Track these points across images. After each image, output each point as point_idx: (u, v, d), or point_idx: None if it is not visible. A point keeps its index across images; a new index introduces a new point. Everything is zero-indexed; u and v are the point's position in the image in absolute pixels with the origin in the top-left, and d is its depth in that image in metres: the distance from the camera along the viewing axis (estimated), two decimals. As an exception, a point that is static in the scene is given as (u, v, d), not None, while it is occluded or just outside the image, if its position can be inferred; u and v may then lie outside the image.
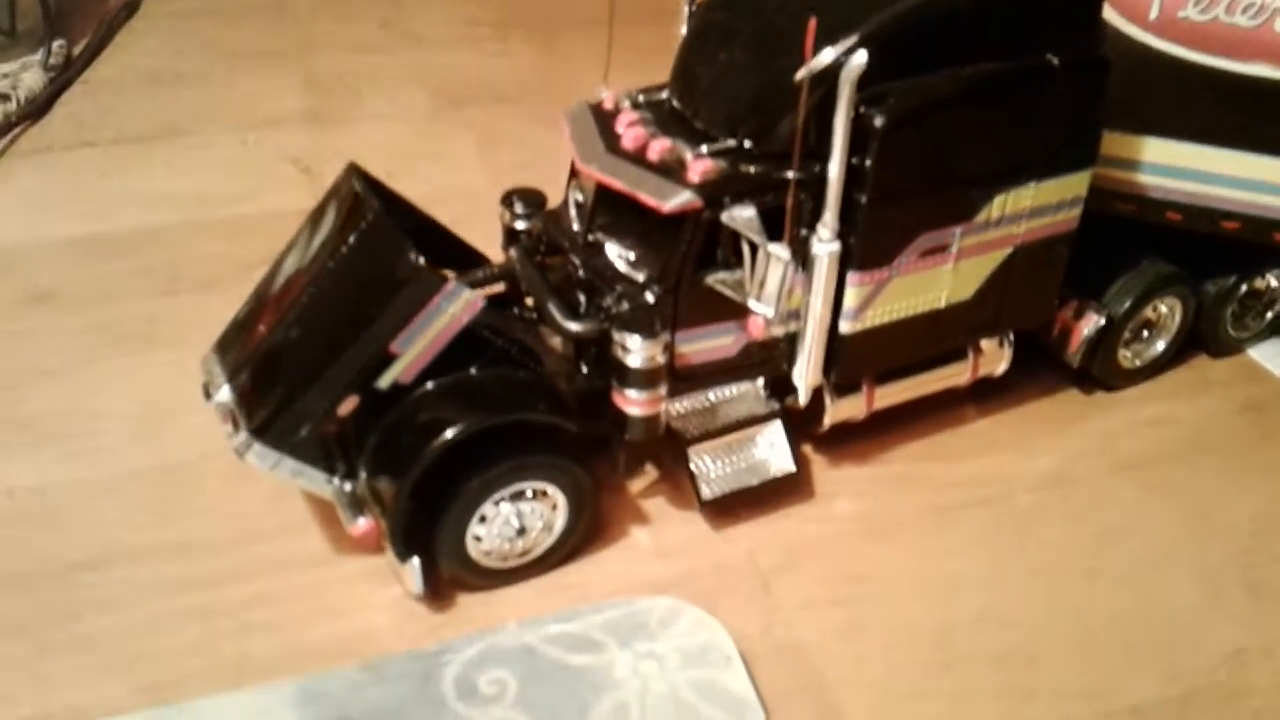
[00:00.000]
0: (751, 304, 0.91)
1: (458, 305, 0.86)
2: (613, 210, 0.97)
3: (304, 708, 0.85)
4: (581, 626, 0.91)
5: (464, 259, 1.04)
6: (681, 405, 1.02)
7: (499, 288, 1.06)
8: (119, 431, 1.13)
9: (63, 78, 1.78)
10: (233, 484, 1.06)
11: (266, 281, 0.96)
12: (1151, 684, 0.91)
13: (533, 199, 1.06)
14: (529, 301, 1.02)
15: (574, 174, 1.02)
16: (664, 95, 1.01)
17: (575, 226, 1.00)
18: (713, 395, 1.03)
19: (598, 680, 0.87)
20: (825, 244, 0.93)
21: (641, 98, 1.01)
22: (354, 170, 0.95)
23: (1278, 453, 1.15)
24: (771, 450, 1.04)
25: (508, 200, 1.06)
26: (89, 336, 1.27)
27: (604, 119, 0.99)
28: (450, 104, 1.80)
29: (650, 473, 1.08)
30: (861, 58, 0.83)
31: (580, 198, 1.00)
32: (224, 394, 0.90)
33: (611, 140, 0.96)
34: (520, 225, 1.06)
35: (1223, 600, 0.99)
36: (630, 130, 0.95)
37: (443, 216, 1.09)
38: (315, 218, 0.96)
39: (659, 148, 0.93)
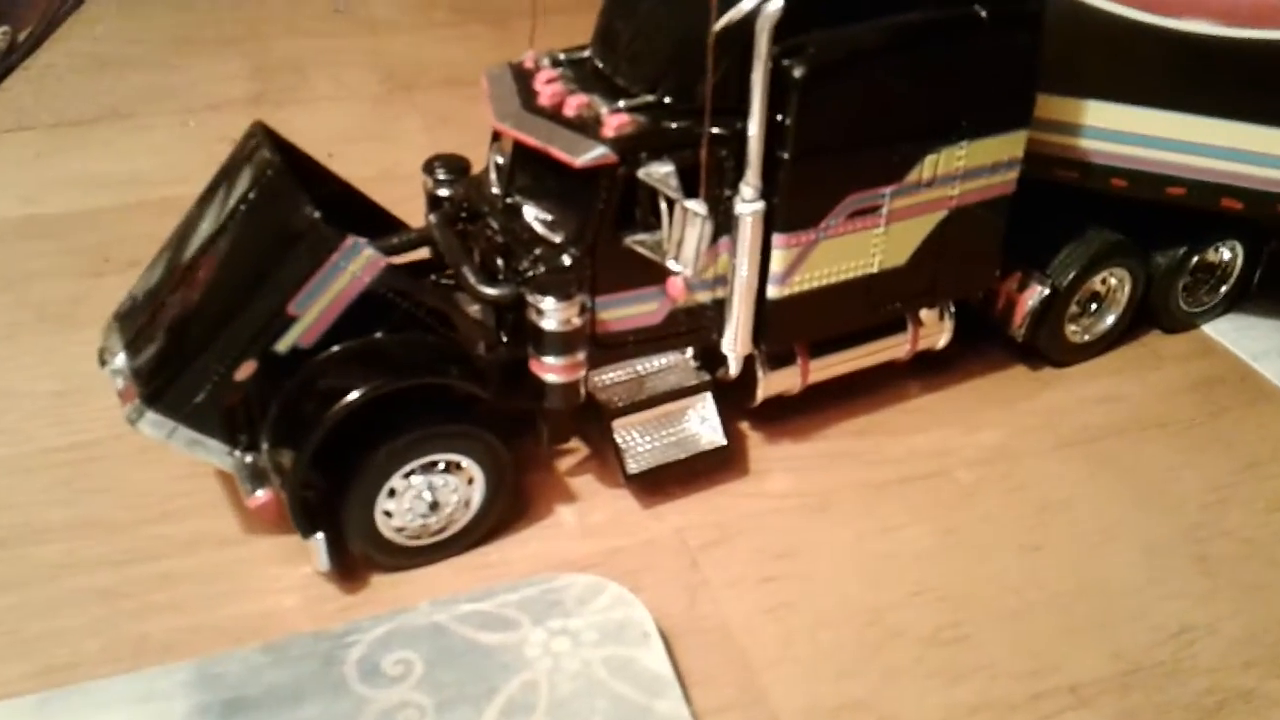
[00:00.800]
0: (670, 264, 0.88)
1: (357, 264, 0.82)
2: (531, 171, 0.93)
3: (198, 689, 0.81)
4: (495, 605, 0.87)
5: (384, 226, 1.00)
6: (607, 376, 0.98)
7: (423, 255, 1.02)
8: (31, 410, 1.10)
9: (5, 63, 1.75)
10: (144, 464, 1.02)
11: (169, 245, 0.92)
12: (1091, 662, 0.87)
13: (455, 165, 1.02)
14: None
15: (496, 137, 0.99)
16: (587, 54, 0.98)
17: (495, 190, 0.97)
18: (640, 366, 0.99)
19: (508, 660, 0.83)
20: (748, 203, 0.89)
21: (563, 56, 0.98)
22: (258, 128, 0.91)
23: (1229, 427, 1.12)
24: (702, 424, 1.00)
25: (429, 167, 1.03)
26: (10, 315, 1.23)
27: (523, 78, 0.95)
28: (401, 87, 1.77)
29: (578, 448, 1.04)
30: (777, 4, 0.80)
31: (501, 160, 0.97)
32: (119, 361, 0.86)
33: (529, 98, 0.92)
34: (443, 192, 1.02)
35: (1168, 577, 0.95)
36: (548, 87, 0.92)
37: (384, 196, 1.05)
38: (220, 178, 0.92)
39: (575, 104, 0.89)
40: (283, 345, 0.83)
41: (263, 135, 0.90)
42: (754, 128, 0.86)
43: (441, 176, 1.02)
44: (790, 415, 1.09)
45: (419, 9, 2.05)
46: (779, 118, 0.87)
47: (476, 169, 1.03)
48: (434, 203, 1.03)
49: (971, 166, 0.97)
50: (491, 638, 0.84)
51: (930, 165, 0.95)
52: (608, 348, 0.95)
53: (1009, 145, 0.98)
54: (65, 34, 1.90)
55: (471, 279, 0.91)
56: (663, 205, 0.87)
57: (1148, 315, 1.22)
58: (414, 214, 1.05)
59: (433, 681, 0.81)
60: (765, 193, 0.90)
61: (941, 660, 0.87)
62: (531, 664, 0.82)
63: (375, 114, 1.69)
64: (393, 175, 1.31)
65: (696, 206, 0.85)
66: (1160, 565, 0.96)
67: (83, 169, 1.52)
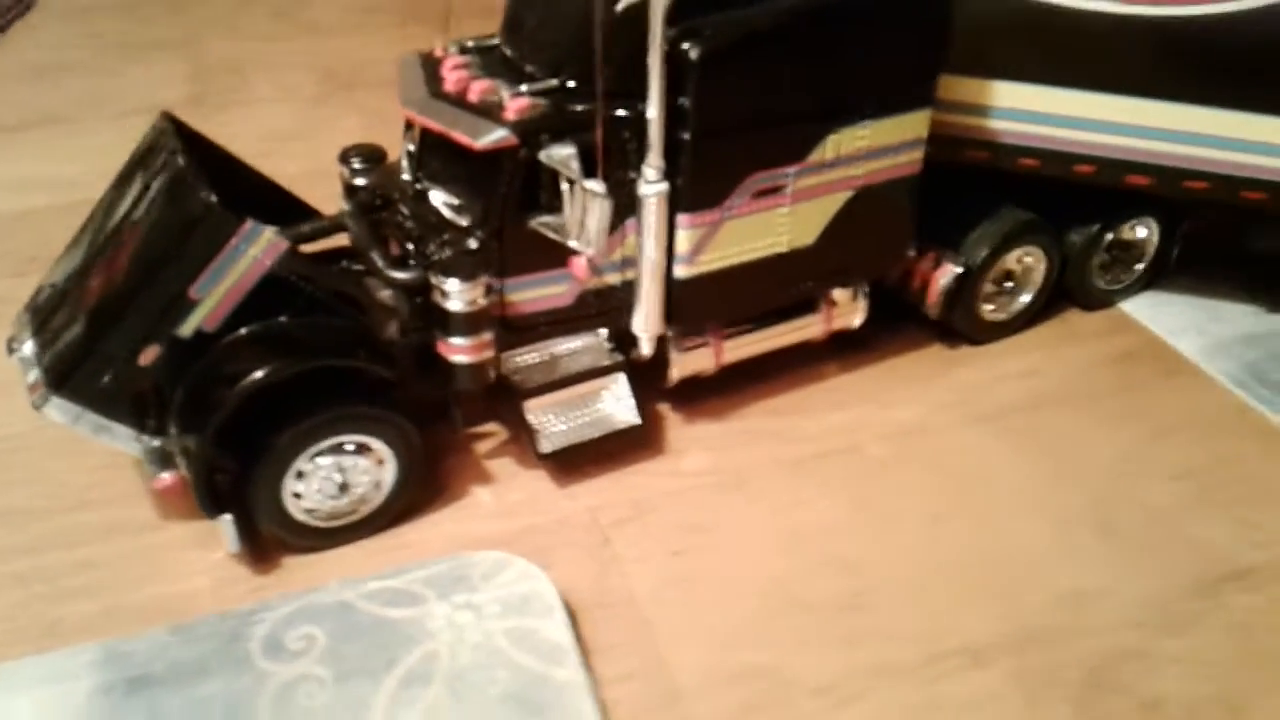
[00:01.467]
0: (573, 244, 0.89)
1: (258, 247, 0.83)
2: (438, 157, 0.95)
3: (105, 668, 0.82)
4: (403, 582, 0.88)
5: (299, 215, 1.01)
6: (520, 359, 0.99)
7: (341, 242, 1.03)
8: (-48, 405, 1.10)
9: (-55, 70, 1.75)
10: (64, 455, 1.03)
11: (79, 236, 0.93)
12: (988, 625, 0.89)
13: (370, 154, 1.04)
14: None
15: (409, 125, 1.00)
16: (495, 42, 0.99)
17: (406, 177, 0.98)
18: (553, 348, 1.00)
19: (411, 633, 0.84)
20: (651, 184, 0.91)
21: (471, 44, 0.99)
22: (165, 117, 0.92)
23: (1141, 400, 1.14)
24: (616, 404, 1.02)
25: (345, 157, 1.04)
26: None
27: (432, 65, 0.97)
28: (341, 87, 1.78)
29: (496, 431, 1.06)
30: (668, -14, 0.82)
31: (411, 147, 0.98)
32: (26, 349, 0.87)
33: (436, 85, 0.94)
34: (359, 181, 1.03)
35: (1070, 543, 0.97)
36: (454, 74, 0.93)
37: (318, 192, 1.07)
38: (128, 169, 0.93)
39: (479, 89, 0.91)
40: (186, 329, 0.84)
41: (168, 126, 0.91)
42: (653, 110, 0.88)
43: (357, 166, 1.03)
44: (708, 395, 1.11)
45: (359, 10, 2.06)
46: (679, 100, 0.89)
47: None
48: (350, 192, 1.04)
49: (875, 146, 0.99)
50: (396, 613, 0.85)
51: (833, 145, 0.97)
52: (519, 330, 0.97)
53: (913, 125, 1.00)
54: (6, 42, 1.91)
55: (380, 263, 0.92)
56: (564, 187, 0.89)
57: (1066, 293, 1.24)
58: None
59: (334, 655, 0.82)
60: (669, 173, 0.91)
61: (843, 626, 0.89)
62: (434, 636, 0.83)
63: (313, 114, 1.70)
64: (328, 173, 1.31)
65: (596, 187, 0.87)
66: (1064, 533, 0.98)
67: (17, 172, 1.53)
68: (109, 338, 0.83)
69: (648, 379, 1.06)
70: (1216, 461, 1.06)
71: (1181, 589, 0.93)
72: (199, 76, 1.79)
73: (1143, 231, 1.24)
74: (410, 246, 0.95)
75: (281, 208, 1.00)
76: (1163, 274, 1.28)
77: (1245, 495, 1.02)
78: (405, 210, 0.96)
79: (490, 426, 1.07)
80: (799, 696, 0.83)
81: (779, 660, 0.86)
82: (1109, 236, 1.21)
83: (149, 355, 0.84)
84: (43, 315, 0.89)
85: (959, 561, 0.95)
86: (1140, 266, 1.25)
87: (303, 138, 1.62)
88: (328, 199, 1.07)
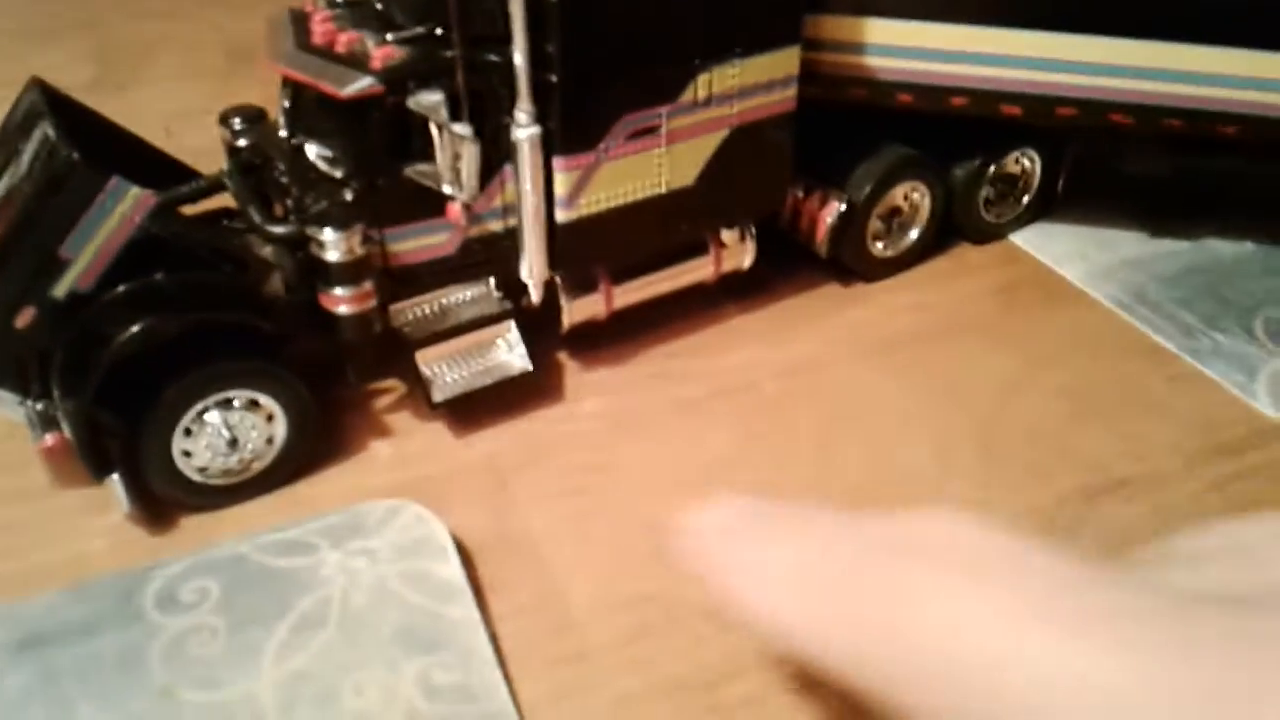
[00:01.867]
0: (448, 189, 0.90)
1: (126, 204, 0.83)
2: (309, 111, 0.95)
3: (-3, 631, 0.82)
4: (299, 534, 0.90)
5: (181, 177, 1.01)
6: (410, 311, 1.00)
7: (226, 202, 1.04)
8: None
9: None
10: (-47, 428, 1.03)
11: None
12: (873, 542, 0.91)
13: (250, 114, 1.04)
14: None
15: (284, 83, 1.00)
16: (367, -3, 1.00)
17: (282, 133, 0.98)
18: (442, 299, 1.01)
19: (304, 580, 0.85)
20: (523, 128, 0.92)
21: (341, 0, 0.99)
22: (33, 81, 0.92)
23: (1026, 326, 1.17)
24: (510, 352, 1.03)
25: (224, 118, 1.04)
26: None
27: (300, 20, 0.97)
28: (247, 63, 1.77)
29: (394, 386, 1.07)
30: (520, -73, 0.83)
31: (285, 103, 0.98)
32: (-97, 321, 0.87)
33: (303, 38, 0.94)
34: (240, 142, 1.03)
35: (953, 462, 1.00)
36: (321, 27, 0.94)
37: (219, 166, 1.07)
38: (1, 132, 0.93)
39: (346, 39, 0.91)
40: (60, 290, 0.84)
41: (37, 91, 0.91)
42: (518, 54, 0.89)
43: (237, 127, 1.03)
44: (605, 342, 1.12)
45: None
46: (544, 43, 0.90)
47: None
48: (232, 152, 1.04)
49: (747, 84, 1.00)
50: (289, 562, 0.87)
51: (704, 84, 0.98)
52: (404, 281, 0.98)
53: (782, 62, 1.02)
54: (-99, 31, 1.88)
55: (257, 219, 0.93)
56: (434, 133, 0.90)
57: (955, 229, 1.27)
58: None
59: (228, 605, 0.83)
60: (541, 117, 0.92)
61: (731, 552, 0.91)
62: (327, 582, 0.85)
63: (218, 90, 1.69)
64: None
65: (463, 130, 0.88)
66: (948, 454, 1.01)
67: (-86, 159, 1.51)
68: (-17, 303, 0.83)
69: (544, 328, 1.07)
70: (1099, 379, 1.09)
71: (1061, 500, 0.96)
72: (102, 58, 1.77)
73: (1026, 163, 1.27)
74: (289, 202, 0.96)
75: (164, 173, 1.00)
76: (1050, 205, 1.31)
77: (1126, 411, 1.06)
78: (282, 166, 0.96)
79: (387, 382, 1.08)
80: (690, 618, 0.85)
81: (672, 588, 0.88)
82: (992, 169, 1.24)
83: (24, 318, 0.84)
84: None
85: (848, 485, 0.97)
86: (1026, 199, 1.29)
87: (209, 113, 1.60)
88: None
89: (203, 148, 1.11)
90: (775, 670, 0.81)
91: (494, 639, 0.82)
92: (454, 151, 0.88)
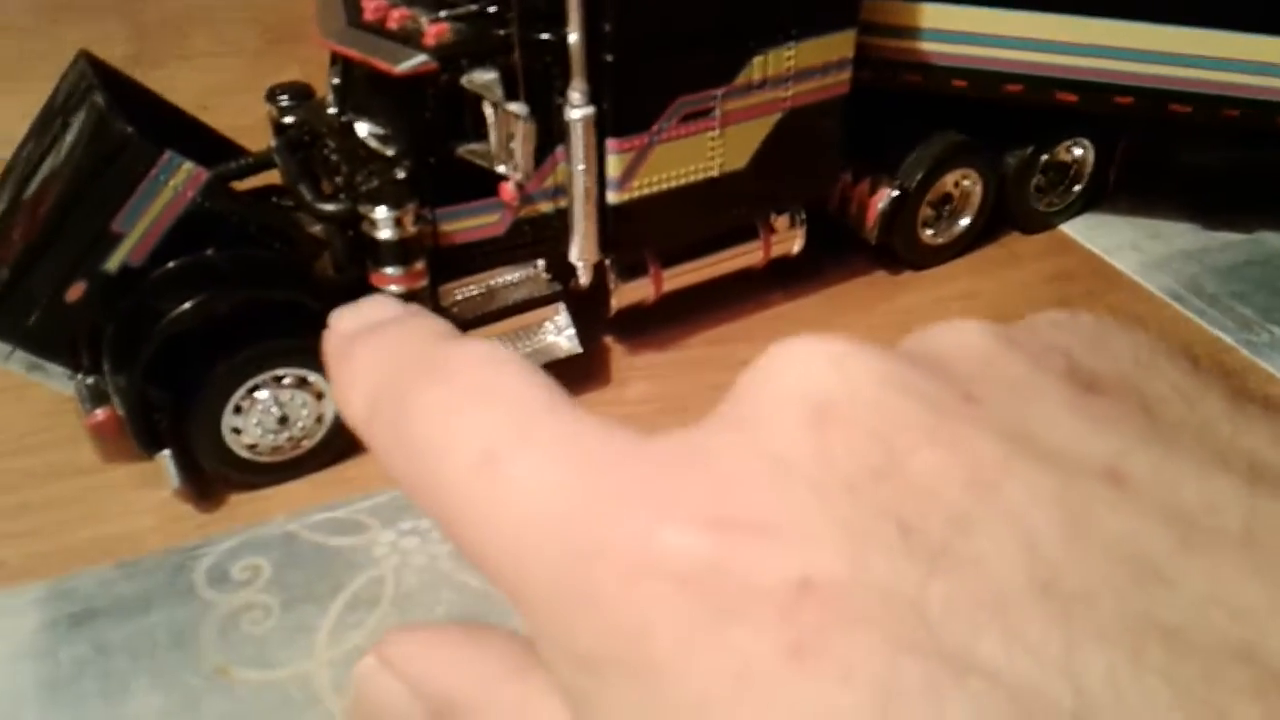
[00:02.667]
0: (501, 169, 0.89)
1: (179, 178, 0.83)
2: (362, 88, 0.95)
3: (50, 605, 0.82)
4: (348, 512, 0.89)
5: (228, 154, 1.01)
6: (458, 292, 0.99)
7: (273, 179, 1.03)
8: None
9: (-124, 36, 1.72)
10: (3, 403, 1.02)
11: (2, 175, 0.93)
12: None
13: (298, 91, 1.03)
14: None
15: (334, 60, 1.00)
16: (420, -26, 0.99)
17: (332, 110, 0.98)
18: (491, 280, 1.01)
19: (355, 559, 0.85)
20: (578, 108, 0.91)
21: (394, -24, 0.98)
22: (82, 55, 0.91)
23: (1077, 316, 1.15)
24: (558, 334, 1.02)
25: (272, 95, 1.04)
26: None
27: (353, -1, 0.96)
28: (281, 40, 1.77)
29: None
30: (582, -96, 0.81)
31: (336, 80, 0.98)
32: (-48, 291, 0.87)
33: (354, 14, 0.93)
34: (287, 119, 1.03)
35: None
36: (373, 3, 0.93)
37: (257, 144, 1.06)
38: (47, 108, 0.92)
39: (398, 16, 0.91)
40: (112, 264, 0.84)
41: (86, 64, 0.90)
42: (574, 34, 0.88)
43: (284, 103, 1.03)
44: (654, 326, 1.11)
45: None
46: (600, 21, 0.89)
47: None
48: (279, 129, 1.03)
49: (801, 67, 0.99)
50: (341, 541, 0.86)
51: (759, 66, 0.97)
52: (454, 261, 0.97)
53: (838, 45, 1.00)
54: (-59, 6, 1.88)
55: (308, 197, 0.92)
56: (488, 111, 0.89)
57: (1006, 217, 1.25)
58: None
59: (280, 583, 0.83)
60: (594, 97, 0.91)
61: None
62: (378, 562, 0.84)
63: (255, 68, 1.69)
64: (266, 124, 1.32)
65: (518, 109, 0.87)
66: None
67: (-46, 133, 1.51)
68: (34, 275, 0.83)
69: (590, 310, 1.07)
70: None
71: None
72: (138, 34, 1.77)
73: (1079, 152, 1.25)
74: (339, 180, 0.95)
75: (211, 148, 0.99)
76: (1101, 195, 1.30)
77: (1179, 403, 1.04)
78: (332, 144, 0.95)
79: (433, 362, 1.07)
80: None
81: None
82: (1044, 157, 1.22)
83: (76, 291, 0.84)
84: (-31, 258, 0.88)
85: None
86: (1078, 188, 1.27)
87: (246, 91, 1.59)
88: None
89: (240, 126, 1.10)
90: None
91: (545, 622, 0.82)
92: (507, 131, 0.88)
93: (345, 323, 0.29)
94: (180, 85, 1.48)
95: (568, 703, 0.21)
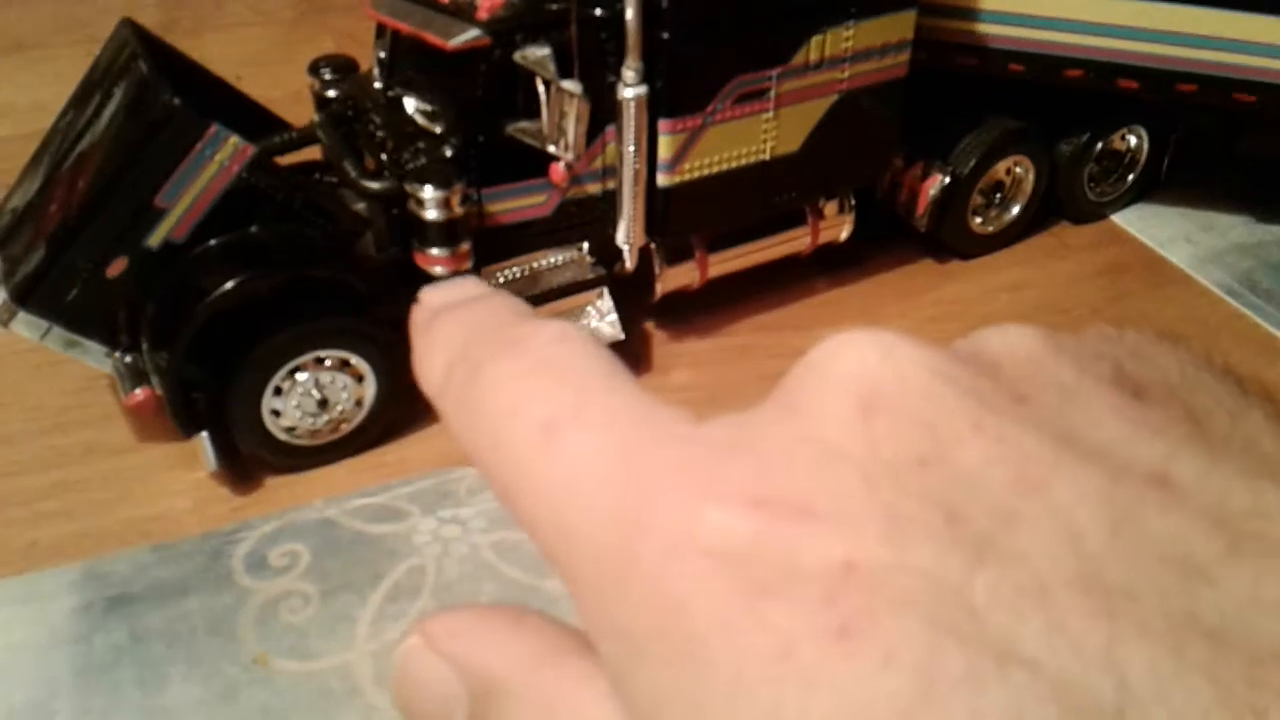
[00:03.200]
0: (552, 149, 0.87)
1: (225, 153, 0.80)
2: (411, 62, 0.92)
3: (85, 588, 0.81)
4: (388, 498, 0.87)
5: (270, 127, 0.98)
6: (502, 273, 0.97)
7: (314, 155, 1.01)
8: (-77, 332, 1.08)
9: (-95, -2, 1.70)
10: (39, 378, 1.01)
11: (41, 151, 0.90)
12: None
13: (341, 64, 1.01)
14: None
15: (380, 33, 0.97)
16: (469, -54, 0.96)
17: (378, 85, 0.95)
18: (535, 262, 0.98)
19: (395, 547, 0.83)
20: (630, 87, 0.88)
21: (444, -52, 0.96)
22: (125, 23, 0.89)
23: (1132, 309, 1.12)
24: (601, 319, 1.00)
25: (315, 68, 1.01)
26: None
27: (403, -31, 0.93)
28: (315, 10, 1.74)
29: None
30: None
31: (383, 54, 0.95)
32: (-9, 266, 0.85)
33: (406, -13, 0.91)
34: (330, 93, 1.00)
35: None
36: (424, -25, 0.90)
37: (292, 115, 1.04)
38: (88, 78, 0.90)
39: (451, -10, 0.88)
40: (154, 240, 0.82)
41: (130, 33, 0.88)
42: (630, 8, 0.85)
43: (328, 77, 1.00)
44: (695, 312, 1.09)
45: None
46: (658, -1, 0.86)
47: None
48: (321, 103, 1.01)
49: (859, 48, 0.96)
50: (381, 528, 0.84)
51: (817, 47, 0.94)
52: (499, 242, 0.95)
53: (897, 26, 0.97)
54: (-30, -31, 1.86)
55: (353, 174, 0.90)
56: (540, 89, 0.86)
57: (1056, 206, 1.22)
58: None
59: (319, 571, 0.81)
60: (648, 76, 0.88)
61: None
62: (419, 550, 0.82)
63: (288, 37, 1.66)
64: (302, 96, 1.28)
65: (572, 87, 0.84)
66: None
67: (-15, 100, 1.49)
68: (74, 250, 0.81)
69: (633, 295, 1.04)
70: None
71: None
72: (172, 2, 1.75)
73: (1133, 140, 1.22)
74: (384, 157, 0.93)
75: (252, 121, 0.97)
76: (1155, 185, 1.26)
77: (1236, 402, 1.01)
78: (377, 119, 0.93)
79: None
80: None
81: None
82: (1099, 146, 1.19)
83: (116, 267, 0.82)
84: (6, 234, 0.86)
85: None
86: (1131, 177, 1.24)
87: (279, 61, 1.58)
88: (304, 122, 1.04)
89: (273, 98, 1.07)
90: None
91: (590, 616, 0.80)
92: (560, 109, 0.85)
93: (433, 297, 0.29)
94: (214, 54, 1.45)
95: (608, 681, 0.22)
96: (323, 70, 1.00)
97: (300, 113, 1.07)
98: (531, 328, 0.26)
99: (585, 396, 0.23)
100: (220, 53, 1.59)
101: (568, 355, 0.24)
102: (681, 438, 0.22)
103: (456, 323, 0.27)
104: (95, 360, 0.88)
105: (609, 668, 0.22)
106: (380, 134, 0.92)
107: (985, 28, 1.07)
